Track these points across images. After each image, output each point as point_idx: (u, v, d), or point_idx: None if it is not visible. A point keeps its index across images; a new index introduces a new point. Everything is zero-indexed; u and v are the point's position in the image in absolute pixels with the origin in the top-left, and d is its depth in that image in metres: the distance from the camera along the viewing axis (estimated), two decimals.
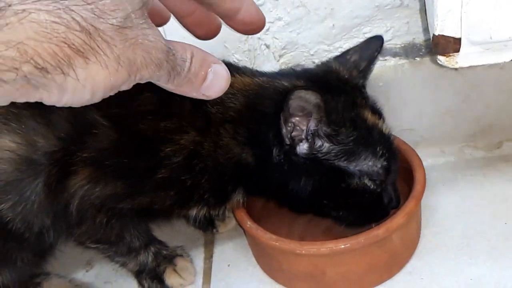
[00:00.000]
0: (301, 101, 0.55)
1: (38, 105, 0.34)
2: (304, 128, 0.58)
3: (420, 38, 0.78)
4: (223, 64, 0.41)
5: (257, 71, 0.67)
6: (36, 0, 0.31)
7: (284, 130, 0.58)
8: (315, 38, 0.77)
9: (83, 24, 0.32)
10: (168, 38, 0.37)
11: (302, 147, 0.59)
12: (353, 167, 0.60)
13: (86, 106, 0.35)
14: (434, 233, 0.72)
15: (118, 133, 0.59)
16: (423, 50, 0.78)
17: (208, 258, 0.76)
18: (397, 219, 0.63)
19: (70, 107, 0.34)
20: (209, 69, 0.39)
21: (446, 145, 0.85)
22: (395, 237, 0.64)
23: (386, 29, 0.77)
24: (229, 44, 0.76)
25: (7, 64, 0.30)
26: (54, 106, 0.34)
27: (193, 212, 0.66)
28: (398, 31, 0.78)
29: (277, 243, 0.64)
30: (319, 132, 0.58)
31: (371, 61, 0.67)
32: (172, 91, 0.39)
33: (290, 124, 0.58)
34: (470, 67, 0.62)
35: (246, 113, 0.61)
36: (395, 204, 0.64)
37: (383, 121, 0.64)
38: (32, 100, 0.33)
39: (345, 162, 0.60)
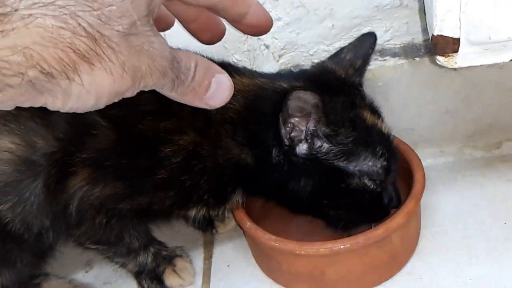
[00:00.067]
0: (300, 102, 0.55)
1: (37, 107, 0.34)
2: (303, 128, 0.58)
3: (419, 38, 0.78)
4: (227, 74, 0.41)
5: (256, 72, 0.67)
6: (43, 5, 0.31)
7: (283, 131, 0.58)
8: (314, 38, 0.77)
9: (89, 30, 0.32)
10: (171, 42, 0.37)
11: (302, 148, 0.59)
12: (352, 167, 0.60)
13: None
14: (434, 233, 0.72)
15: (118, 133, 0.59)
16: (422, 50, 0.78)
17: (208, 258, 0.76)
18: (397, 219, 0.63)
19: None
20: (213, 79, 0.40)
21: (446, 145, 0.85)
22: (394, 237, 0.64)
23: (386, 29, 0.77)
24: (228, 45, 0.76)
25: (13, 69, 0.30)
26: None
27: (193, 212, 0.66)
28: (397, 31, 0.78)
29: (277, 244, 0.64)
30: (318, 133, 0.58)
31: (366, 59, 0.67)
32: (175, 100, 0.39)
33: (289, 125, 0.58)
34: (469, 67, 0.62)
35: (246, 114, 0.61)
36: (396, 204, 0.64)
37: (382, 121, 0.64)
38: (36, 105, 0.33)
39: (344, 162, 0.60)
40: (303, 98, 0.54)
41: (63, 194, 0.59)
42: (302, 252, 0.62)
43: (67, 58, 0.31)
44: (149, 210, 0.64)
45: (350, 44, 0.68)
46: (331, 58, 0.69)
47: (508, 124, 0.82)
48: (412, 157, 0.71)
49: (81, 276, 0.77)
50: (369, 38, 0.67)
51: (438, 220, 0.73)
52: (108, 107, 0.35)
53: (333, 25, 0.76)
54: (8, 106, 0.33)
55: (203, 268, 0.75)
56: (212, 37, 0.49)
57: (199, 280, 0.73)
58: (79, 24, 0.31)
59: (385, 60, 0.79)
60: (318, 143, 0.59)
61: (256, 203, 0.72)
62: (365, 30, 0.76)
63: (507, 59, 0.61)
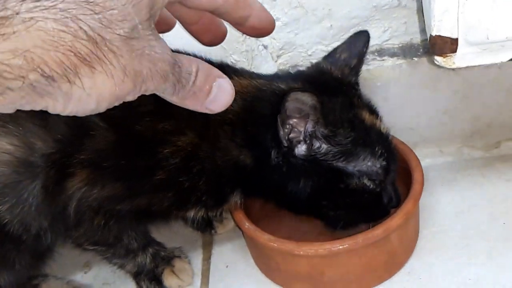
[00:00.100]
0: (298, 103, 0.55)
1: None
2: (302, 129, 0.58)
3: (417, 38, 0.78)
4: (228, 79, 0.41)
5: (254, 73, 0.67)
6: (44, 9, 0.31)
7: (281, 132, 0.58)
8: (312, 38, 0.77)
9: (90, 34, 0.32)
10: (168, 42, 0.37)
11: (300, 149, 0.59)
12: (352, 167, 0.60)
13: None
14: (433, 233, 0.72)
15: (116, 134, 0.59)
16: (421, 50, 0.78)
17: (206, 259, 0.76)
18: (396, 220, 0.63)
19: None
20: (214, 83, 0.40)
21: (445, 145, 0.85)
22: (393, 238, 0.64)
23: (384, 29, 0.77)
24: (226, 45, 0.76)
25: (14, 72, 0.30)
26: None
27: (191, 213, 0.65)
28: (396, 31, 0.78)
29: (275, 244, 0.64)
30: (317, 134, 0.58)
31: (361, 58, 0.67)
32: (176, 104, 0.39)
33: (287, 126, 0.58)
34: (467, 67, 0.62)
35: (244, 115, 0.61)
36: (395, 204, 0.64)
37: (381, 120, 0.64)
38: (37, 108, 0.33)
39: (343, 162, 0.60)
40: (301, 99, 0.54)
41: (61, 195, 0.59)
42: (301, 253, 0.62)
43: (68, 62, 0.31)
44: (147, 211, 0.64)
45: (343, 43, 0.68)
46: (326, 58, 0.69)
47: (507, 124, 0.82)
48: (411, 157, 0.71)
49: (79, 277, 0.77)
50: (363, 37, 0.67)
51: (437, 220, 0.73)
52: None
53: (331, 25, 0.76)
54: (9, 109, 0.33)
55: (202, 268, 0.75)
56: (214, 38, 0.49)
57: (197, 281, 0.73)
58: (80, 28, 0.31)
59: (383, 60, 0.79)
60: (316, 144, 0.59)
61: (255, 203, 0.72)
62: None
63: (505, 59, 0.61)
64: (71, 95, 0.32)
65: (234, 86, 0.62)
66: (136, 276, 0.72)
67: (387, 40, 0.78)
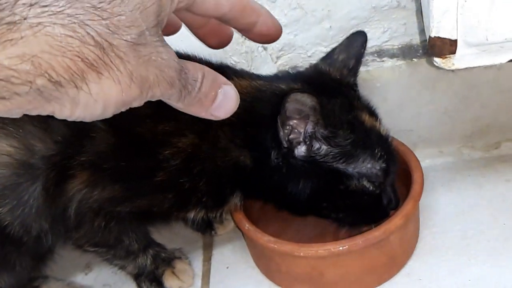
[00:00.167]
0: (298, 104, 0.55)
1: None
2: (302, 130, 0.58)
3: (417, 39, 0.78)
4: (233, 85, 0.41)
5: (254, 74, 0.67)
6: (52, 14, 0.31)
7: (281, 133, 0.58)
8: (312, 39, 0.77)
9: (98, 39, 0.32)
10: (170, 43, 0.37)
11: (300, 150, 0.59)
12: (351, 169, 0.60)
13: None
14: (433, 234, 0.72)
15: (116, 136, 0.59)
16: (420, 51, 0.78)
17: (207, 260, 0.76)
18: (395, 221, 0.63)
19: None
20: (219, 90, 0.40)
21: (444, 145, 0.85)
22: (393, 239, 0.65)
23: (383, 30, 0.77)
24: (226, 47, 0.76)
25: (22, 77, 0.30)
26: None
27: (191, 214, 0.65)
28: (395, 32, 0.78)
29: (276, 245, 0.64)
30: (317, 135, 0.58)
31: (359, 58, 0.67)
32: (181, 110, 0.39)
33: (287, 127, 0.58)
34: (466, 68, 0.62)
35: (244, 116, 0.61)
36: (394, 205, 0.64)
37: (380, 122, 0.64)
38: (44, 113, 0.33)
39: (343, 164, 0.60)
40: (301, 101, 0.54)
41: (61, 197, 0.59)
42: (301, 254, 0.62)
43: (75, 67, 0.31)
44: (148, 213, 0.64)
45: (340, 44, 0.68)
46: (324, 59, 0.69)
47: (507, 125, 0.82)
48: (410, 158, 0.71)
49: (80, 279, 0.77)
50: (360, 37, 0.67)
51: (437, 221, 0.73)
52: None
53: (330, 26, 0.76)
54: (16, 114, 0.33)
55: (202, 270, 0.75)
56: (220, 41, 0.49)
57: (198, 282, 0.73)
58: (88, 33, 0.32)
59: (383, 61, 0.79)
60: (316, 145, 0.59)
61: (254, 204, 0.72)
62: None
63: (504, 60, 0.61)
64: (78, 100, 0.33)
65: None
66: (137, 277, 0.72)
67: (386, 41, 0.78)
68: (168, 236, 0.76)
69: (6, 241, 0.60)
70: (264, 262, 0.70)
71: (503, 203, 0.74)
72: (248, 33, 0.46)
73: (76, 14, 0.31)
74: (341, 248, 0.61)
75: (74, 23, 0.31)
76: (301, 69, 0.76)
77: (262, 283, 0.71)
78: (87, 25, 0.32)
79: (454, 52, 0.60)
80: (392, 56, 0.79)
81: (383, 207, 0.64)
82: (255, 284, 0.71)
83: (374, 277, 0.66)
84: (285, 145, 0.58)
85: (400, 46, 0.79)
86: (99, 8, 0.32)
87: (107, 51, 0.32)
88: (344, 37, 0.76)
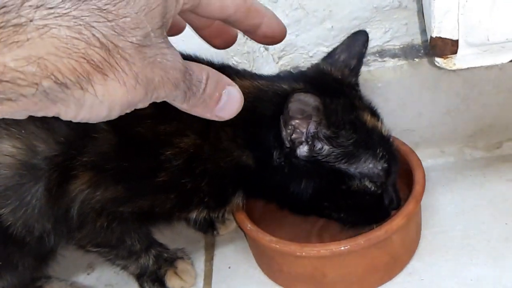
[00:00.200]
0: (301, 104, 0.55)
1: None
2: (304, 130, 0.58)
3: (418, 39, 0.78)
4: (237, 86, 0.41)
5: (256, 74, 0.67)
6: (58, 16, 0.31)
7: (284, 133, 0.58)
8: (313, 40, 0.77)
9: (103, 41, 0.32)
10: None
11: (302, 150, 0.59)
12: (353, 169, 0.60)
13: None
14: (434, 234, 0.72)
15: (118, 137, 0.59)
16: (422, 51, 0.78)
17: (209, 260, 0.76)
18: (397, 221, 0.63)
19: None
20: (224, 91, 0.40)
21: (446, 145, 0.85)
22: (395, 239, 0.65)
23: (385, 30, 0.77)
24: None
25: (28, 79, 0.30)
26: None
27: (194, 214, 0.65)
28: (396, 32, 0.78)
29: (277, 245, 0.64)
30: (319, 135, 0.58)
31: (361, 58, 0.67)
32: (186, 111, 0.39)
33: (290, 127, 0.58)
34: (468, 68, 0.62)
35: (246, 116, 0.61)
36: (396, 205, 0.64)
37: (382, 122, 0.64)
38: (49, 114, 0.33)
39: (345, 164, 0.60)
40: (304, 101, 0.54)
41: (64, 197, 0.59)
42: (303, 254, 0.63)
43: (81, 69, 0.31)
44: (150, 213, 0.64)
45: (342, 44, 0.68)
46: (325, 59, 0.69)
47: (508, 124, 0.82)
48: (412, 158, 0.71)
49: (82, 279, 0.77)
50: (361, 37, 0.67)
51: (438, 221, 0.73)
52: None
53: (332, 26, 0.76)
54: (21, 115, 0.33)
55: (205, 270, 0.75)
56: (225, 42, 0.49)
57: (200, 282, 0.73)
58: (93, 35, 0.32)
59: (384, 61, 0.79)
60: (319, 145, 0.59)
61: (256, 204, 0.72)
62: None
63: (505, 60, 0.61)
64: (84, 102, 0.33)
65: None
66: (139, 277, 0.72)
67: (388, 41, 0.78)
68: (170, 236, 0.76)
69: (9, 241, 0.60)
70: (266, 262, 0.71)
71: (504, 203, 0.74)
72: (253, 34, 0.47)
73: (82, 16, 0.31)
74: (343, 248, 0.61)
75: (80, 25, 0.31)
76: (302, 69, 0.76)
77: (264, 283, 0.71)
78: (93, 27, 0.32)
79: (455, 52, 0.60)
80: (394, 56, 0.79)
81: (384, 207, 0.64)
82: (257, 284, 0.71)
83: (376, 277, 0.66)
84: (287, 145, 0.58)
85: (401, 46, 0.79)
86: (104, 10, 0.32)
87: (113, 52, 0.32)
88: (346, 37, 0.76)
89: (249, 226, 0.67)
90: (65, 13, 0.31)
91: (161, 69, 0.35)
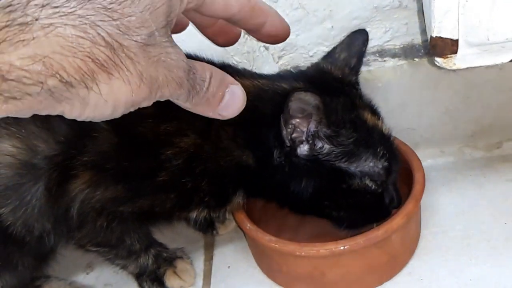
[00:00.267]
0: (301, 103, 0.55)
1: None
2: (305, 129, 0.58)
3: (419, 39, 0.78)
4: (240, 85, 0.42)
5: (256, 73, 0.67)
6: (63, 15, 0.31)
7: (284, 132, 0.58)
8: (314, 39, 0.77)
9: (108, 40, 0.32)
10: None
11: (303, 149, 0.59)
12: (354, 168, 0.60)
13: None
14: (434, 234, 0.72)
15: (118, 136, 0.59)
16: (422, 51, 0.78)
17: (208, 260, 0.76)
18: (397, 220, 0.63)
19: None
20: (227, 90, 0.41)
21: (446, 145, 0.85)
22: (394, 238, 0.65)
23: (385, 30, 0.77)
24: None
25: (33, 78, 0.31)
26: None
27: (194, 214, 0.66)
28: (397, 32, 0.78)
29: (277, 245, 0.64)
30: (319, 134, 0.58)
31: (361, 57, 0.67)
32: (188, 110, 0.40)
33: (290, 126, 0.58)
34: (468, 68, 0.62)
35: (246, 116, 0.61)
36: (397, 204, 0.64)
37: (382, 121, 0.64)
38: (54, 113, 0.33)
39: (345, 163, 0.60)
40: (304, 100, 0.54)
41: (64, 197, 0.59)
42: (303, 253, 0.63)
43: (86, 67, 0.32)
44: (150, 213, 0.64)
45: (341, 43, 0.68)
46: (325, 58, 0.69)
47: (508, 124, 0.82)
48: (412, 158, 0.71)
49: (82, 278, 0.77)
50: (361, 36, 0.67)
51: (438, 221, 0.73)
52: None
53: (332, 26, 0.76)
54: (26, 114, 0.33)
55: (204, 269, 0.75)
56: (228, 40, 0.50)
57: (199, 281, 0.73)
58: (99, 34, 0.32)
59: (384, 61, 0.79)
60: (319, 144, 0.59)
61: (256, 204, 0.72)
62: None
63: (505, 60, 0.61)
64: (88, 100, 0.33)
65: None
66: (139, 277, 0.72)
67: (388, 41, 0.78)
68: (170, 235, 0.76)
69: (9, 241, 0.60)
70: (266, 261, 0.71)
71: (504, 203, 0.74)
72: (256, 33, 0.47)
73: (87, 15, 0.32)
74: (342, 247, 0.61)
75: (85, 24, 0.31)
76: (302, 69, 0.76)
77: (264, 283, 0.71)
78: (98, 26, 0.32)
79: (455, 52, 0.60)
80: (394, 56, 0.79)
81: (385, 206, 0.64)
82: (256, 284, 0.71)
83: (375, 276, 0.66)
84: (288, 144, 0.58)
85: (401, 46, 0.79)
86: (109, 9, 0.32)
87: (118, 51, 0.33)
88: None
89: (248, 225, 0.67)
90: (70, 12, 0.31)
91: (165, 68, 0.35)
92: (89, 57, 0.32)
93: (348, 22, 0.75)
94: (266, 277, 0.71)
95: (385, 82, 0.79)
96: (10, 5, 0.30)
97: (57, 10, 0.31)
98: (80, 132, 0.58)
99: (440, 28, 0.59)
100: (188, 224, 0.79)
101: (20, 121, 0.57)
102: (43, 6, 0.31)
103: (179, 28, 0.46)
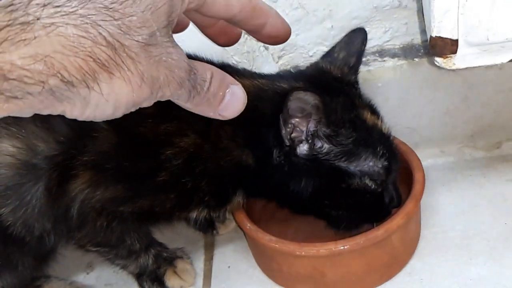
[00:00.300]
0: (300, 102, 0.55)
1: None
2: (304, 129, 0.58)
3: (418, 39, 0.78)
4: (240, 85, 0.42)
5: (255, 73, 0.67)
6: (64, 14, 0.31)
7: (283, 132, 0.58)
8: (313, 39, 0.77)
9: (109, 39, 0.32)
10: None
11: (302, 148, 0.59)
12: (353, 167, 0.60)
13: None
14: (434, 234, 0.72)
15: (119, 136, 0.59)
16: (421, 50, 0.78)
17: (209, 260, 0.76)
18: (397, 220, 0.63)
19: None
20: (227, 90, 0.41)
21: (446, 145, 0.85)
22: (394, 238, 0.65)
23: (385, 30, 0.77)
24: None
25: (34, 77, 0.31)
26: None
27: (194, 214, 0.66)
28: (396, 32, 0.78)
29: (277, 245, 0.64)
30: (319, 133, 0.58)
31: (360, 56, 0.67)
32: (189, 110, 0.40)
33: (289, 125, 0.58)
34: (467, 68, 0.62)
35: (246, 115, 0.61)
36: (397, 203, 0.64)
37: (382, 121, 0.64)
38: (55, 112, 0.33)
39: (345, 162, 0.60)
40: (303, 99, 0.54)
41: (64, 197, 0.59)
42: (303, 253, 0.63)
43: (87, 67, 0.32)
44: (150, 212, 0.64)
45: (340, 42, 0.68)
46: (324, 57, 0.69)
47: (508, 124, 0.82)
48: (412, 158, 0.71)
49: (82, 278, 0.77)
50: (360, 34, 0.67)
51: (438, 221, 0.73)
52: None
53: (332, 26, 0.76)
54: (27, 114, 0.33)
55: (204, 269, 0.75)
56: (229, 40, 0.49)
57: (199, 281, 0.73)
58: (100, 34, 0.32)
59: (384, 61, 0.79)
60: (318, 143, 0.59)
61: (256, 204, 0.72)
62: None
63: (505, 60, 0.61)
64: (89, 100, 0.33)
65: None
66: (139, 277, 0.72)
67: (388, 41, 0.78)
68: (170, 235, 0.76)
69: (9, 241, 0.60)
70: (266, 261, 0.71)
71: (504, 203, 0.74)
72: (257, 34, 0.47)
73: (89, 15, 0.32)
74: (342, 247, 0.61)
75: (87, 23, 0.32)
76: (302, 68, 0.76)
77: (264, 283, 0.71)
78: (99, 25, 0.32)
79: (455, 52, 0.60)
80: (394, 55, 0.79)
81: (385, 205, 0.64)
82: (256, 284, 0.71)
83: (376, 276, 0.66)
84: (287, 144, 0.58)
85: (401, 45, 0.79)
86: (111, 8, 0.32)
87: (119, 51, 0.33)
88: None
89: (248, 225, 0.67)
90: (72, 12, 0.31)
91: (166, 68, 0.35)
92: (91, 57, 0.32)
93: (348, 22, 0.75)
94: (266, 277, 0.71)
95: (385, 82, 0.79)
96: (12, 4, 0.30)
97: (58, 9, 0.31)
98: (80, 132, 0.58)
99: (440, 28, 0.59)
100: (188, 224, 0.79)
101: (20, 121, 0.57)
102: (44, 5, 0.31)
103: (179, 27, 0.46)
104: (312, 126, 0.58)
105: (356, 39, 0.67)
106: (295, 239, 0.66)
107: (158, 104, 0.60)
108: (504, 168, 0.80)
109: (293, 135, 0.58)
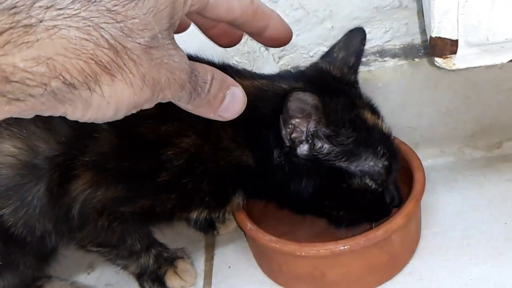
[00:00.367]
0: (300, 103, 0.55)
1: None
2: (304, 129, 0.58)
3: (419, 39, 0.78)
4: (240, 87, 0.42)
5: (256, 73, 0.67)
6: (67, 17, 0.31)
7: (284, 132, 0.58)
8: (314, 39, 0.77)
9: (112, 42, 0.32)
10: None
11: (303, 149, 0.59)
12: (354, 167, 0.60)
13: None
14: (434, 234, 0.72)
15: (119, 137, 0.59)
16: (422, 51, 0.78)
17: (209, 260, 0.76)
18: (397, 220, 0.63)
19: None
20: (227, 92, 0.41)
21: (446, 145, 0.85)
22: (395, 238, 0.65)
23: (385, 30, 0.77)
24: None
25: (37, 79, 0.31)
26: None
27: (194, 214, 0.66)
28: (397, 32, 0.78)
29: (277, 245, 0.64)
30: (319, 133, 0.58)
31: (359, 55, 0.67)
32: (189, 111, 0.40)
33: (289, 126, 0.58)
34: (467, 68, 0.62)
35: (246, 116, 0.61)
36: (398, 203, 0.64)
37: (382, 120, 0.64)
38: (56, 114, 0.33)
39: (345, 162, 0.60)
40: (303, 99, 0.54)
41: (65, 197, 0.59)
42: (303, 253, 0.63)
43: (89, 69, 0.32)
44: (151, 213, 0.64)
45: (339, 41, 0.68)
46: (323, 58, 0.69)
47: (508, 124, 0.82)
48: (412, 158, 0.71)
49: (83, 278, 0.77)
50: (358, 34, 0.67)
51: (438, 221, 0.73)
52: None
53: (332, 26, 0.76)
54: (28, 115, 0.33)
55: (205, 269, 0.75)
56: (230, 41, 0.50)
57: (200, 281, 0.73)
58: (102, 36, 0.32)
59: (385, 61, 0.79)
60: (319, 144, 0.59)
61: (256, 204, 0.72)
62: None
63: (505, 60, 0.61)
64: (91, 102, 0.33)
65: None
66: (139, 277, 0.73)
67: (388, 41, 0.78)
68: (171, 236, 0.76)
69: (10, 241, 0.60)
70: (266, 261, 0.71)
71: (504, 203, 0.74)
72: (258, 37, 0.47)
73: (91, 17, 0.32)
74: (342, 247, 0.61)
75: (89, 26, 0.32)
76: (302, 68, 0.76)
77: (264, 283, 0.71)
78: (102, 28, 0.32)
79: (455, 52, 0.60)
80: (394, 56, 0.79)
81: (386, 205, 0.64)
82: (257, 284, 0.71)
83: (376, 276, 0.66)
84: (288, 144, 0.58)
85: (401, 46, 0.79)
86: (113, 11, 0.33)
87: (121, 54, 0.33)
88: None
89: (249, 225, 0.67)
90: (74, 14, 0.31)
91: (167, 70, 0.35)
92: (93, 59, 0.32)
93: (348, 22, 0.75)
94: (267, 277, 0.71)
95: (385, 82, 0.79)
96: (15, 7, 0.30)
97: (61, 12, 0.31)
98: (81, 132, 0.58)
99: (440, 28, 0.59)
100: (188, 224, 0.79)
101: (21, 122, 0.57)
102: (47, 8, 0.31)
103: (181, 28, 0.46)
104: (312, 126, 0.58)
105: (355, 38, 0.67)
106: (295, 239, 0.66)
107: (159, 105, 0.60)
108: (504, 168, 0.80)
109: (293, 135, 0.58)
